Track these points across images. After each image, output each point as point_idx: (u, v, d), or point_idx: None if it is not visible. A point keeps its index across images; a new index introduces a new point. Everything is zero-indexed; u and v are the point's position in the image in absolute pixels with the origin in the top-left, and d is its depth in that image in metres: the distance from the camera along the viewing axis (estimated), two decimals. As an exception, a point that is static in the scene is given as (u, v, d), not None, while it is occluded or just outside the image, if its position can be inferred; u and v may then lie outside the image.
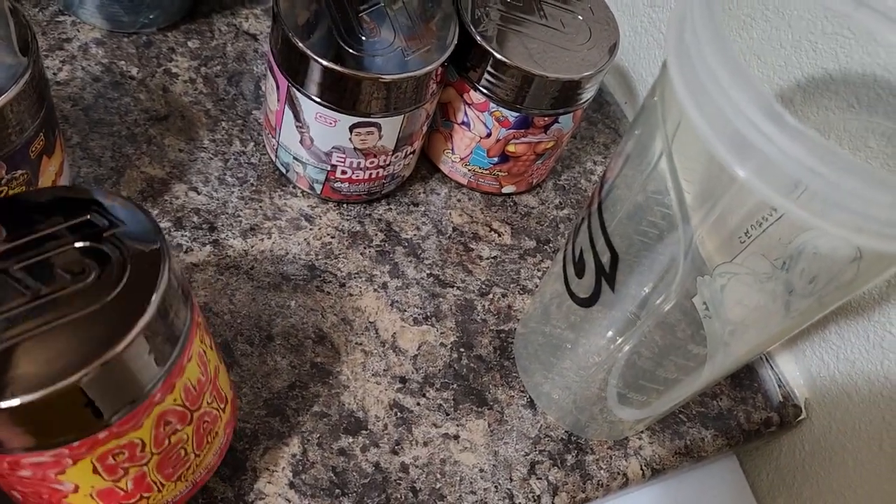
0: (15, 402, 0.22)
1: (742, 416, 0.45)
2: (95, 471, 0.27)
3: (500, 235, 0.48)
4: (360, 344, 0.41)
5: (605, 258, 0.33)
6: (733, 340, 0.39)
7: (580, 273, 0.36)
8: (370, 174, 0.44)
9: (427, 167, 0.50)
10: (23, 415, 0.23)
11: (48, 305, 0.24)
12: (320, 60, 0.38)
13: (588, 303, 0.36)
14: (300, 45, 0.38)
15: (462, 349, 0.43)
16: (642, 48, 0.55)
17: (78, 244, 0.26)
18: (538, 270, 0.47)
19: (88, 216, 0.26)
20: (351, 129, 0.40)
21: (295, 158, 0.43)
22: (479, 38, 0.42)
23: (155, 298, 0.25)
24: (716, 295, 0.37)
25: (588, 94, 0.44)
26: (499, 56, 0.41)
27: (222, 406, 0.32)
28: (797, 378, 0.48)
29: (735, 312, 0.38)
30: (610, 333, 0.41)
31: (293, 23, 0.38)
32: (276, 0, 0.39)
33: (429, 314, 0.44)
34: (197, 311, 0.29)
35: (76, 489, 0.27)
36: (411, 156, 0.45)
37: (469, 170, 0.48)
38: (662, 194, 0.36)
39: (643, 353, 0.41)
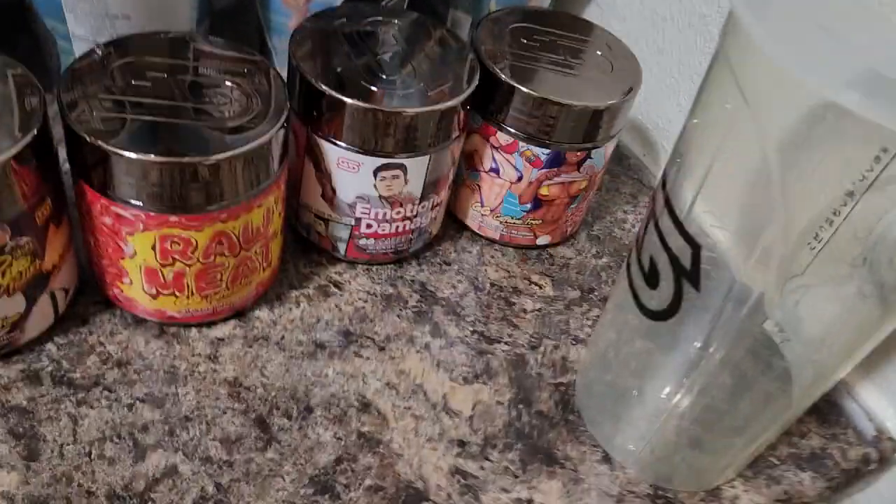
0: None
1: (838, 454, 0.41)
2: (153, 247, 0.33)
3: (541, 288, 0.45)
4: (410, 408, 0.37)
5: (686, 254, 0.30)
6: (822, 355, 0.35)
7: (654, 283, 0.32)
8: (396, 227, 0.41)
9: (455, 226, 0.47)
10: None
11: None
12: (341, 97, 0.36)
13: (668, 313, 0.32)
14: (320, 85, 0.36)
15: (521, 405, 0.39)
16: (652, 96, 0.54)
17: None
18: (587, 320, 0.44)
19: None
20: (375, 173, 0.38)
21: (316, 217, 0.41)
22: (502, 75, 0.40)
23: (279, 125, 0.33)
24: (790, 314, 0.33)
25: (618, 124, 0.42)
26: (524, 89, 0.40)
27: (263, 264, 0.38)
28: (885, 408, 0.43)
29: (817, 327, 0.35)
30: (675, 377, 0.37)
31: (310, 67, 0.37)
32: (291, 48, 0.38)
33: (479, 372, 0.39)
34: (284, 176, 0.36)
35: (133, 255, 0.34)
36: (438, 208, 0.43)
37: (501, 222, 0.45)
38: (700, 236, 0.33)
39: (715, 395, 0.37)
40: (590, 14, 0.58)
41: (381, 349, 0.39)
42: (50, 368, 0.35)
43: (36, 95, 0.32)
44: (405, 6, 0.49)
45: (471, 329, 0.41)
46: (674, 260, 0.31)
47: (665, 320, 0.33)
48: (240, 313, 0.39)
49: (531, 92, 0.40)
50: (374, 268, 0.43)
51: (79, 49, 0.42)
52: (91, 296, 0.38)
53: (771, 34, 0.25)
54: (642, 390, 0.39)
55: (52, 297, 0.35)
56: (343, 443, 0.35)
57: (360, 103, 0.36)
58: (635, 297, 0.34)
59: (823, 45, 0.23)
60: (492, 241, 0.46)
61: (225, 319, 0.38)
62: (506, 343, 0.41)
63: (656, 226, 0.32)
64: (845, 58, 0.23)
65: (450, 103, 0.37)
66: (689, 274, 0.30)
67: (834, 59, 0.23)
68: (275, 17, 0.46)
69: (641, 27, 0.54)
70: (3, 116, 0.30)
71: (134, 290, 0.35)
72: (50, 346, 0.35)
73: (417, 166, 0.39)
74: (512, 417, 0.38)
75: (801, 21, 0.24)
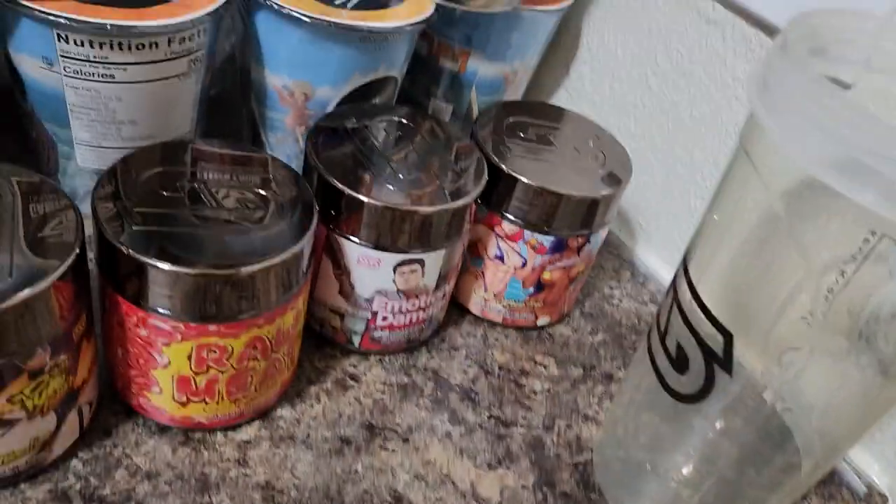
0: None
1: (838, 514, 0.43)
2: (189, 357, 0.33)
3: (546, 368, 0.46)
4: (441, 499, 0.37)
5: (717, 342, 0.32)
6: (826, 424, 0.38)
7: (682, 368, 0.34)
8: (410, 318, 0.42)
9: (457, 311, 0.48)
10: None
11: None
12: (363, 198, 0.37)
13: (699, 397, 0.34)
14: (338, 185, 0.37)
15: (545, 488, 0.39)
16: (627, 176, 0.57)
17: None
18: (594, 397, 0.45)
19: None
20: (395, 268, 0.39)
21: (332, 311, 0.41)
22: (505, 168, 0.42)
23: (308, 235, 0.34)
24: (791, 385, 0.36)
25: (613, 210, 0.45)
26: (528, 182, 0.42)
27: (288, 364, 0.38)
28: (873, 465, 0.46)
29: (819, 397, 0.37)
30: (686, 448, 0.39)
31: (328, 168, 0.38)
32: (307, 150, 0.39)
33: (501, 457, 0.40)
34: (310, 276, 0.37)
35: (167, 365, 0.33)
36: (447, 296, 0.44)
37: (504, 305, 0.46)
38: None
39: (726, 466, 0.39)
40: (559, 99, 0.61)
41: (405, 441, 0.40)
42: (78, 486, 0.34)
43: (67, 208, 0.32)
44: (394, 100, 0.50)
45: (487, 414, 0.42)
46: (704, 347, 0.33)
47: (695, 403, 0.34)
48: (262, 414, 0.39)
49: (534, 184, 0.42)
50: (386, 357, 0.44)
51: (81, 153, 0.42)
52: (110, 406, 0.37)
53: (782, 128, 0.27)
54: (654, 463, 0.40)
55: (80, 412, 0.34)
56: (382, 541, 0.35)
57: (382, 202, 0.37)
58: (662, 380, 0.36)
59: (822, 135, 0.26)
60: (494, 324, 0.48)
61: (249, 421, 0.38)
62: (521, 426, 0.42)
63: (681, 312, 0.34)
64: (842, 147, 0.25)
65: (466, 199, 0.39)
66: (722, 361, 0.32)
67: (832, 147, 0.26)
68: (271, 114, 0.47)
69: (612, 112, 0.57)
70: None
71: (163, 398, 0.35)
72: (75, 463, 0.35)
73: (434, 260, 0.40)
74: (538, 500, 0.39)
75: (803, 115, 0.26)
